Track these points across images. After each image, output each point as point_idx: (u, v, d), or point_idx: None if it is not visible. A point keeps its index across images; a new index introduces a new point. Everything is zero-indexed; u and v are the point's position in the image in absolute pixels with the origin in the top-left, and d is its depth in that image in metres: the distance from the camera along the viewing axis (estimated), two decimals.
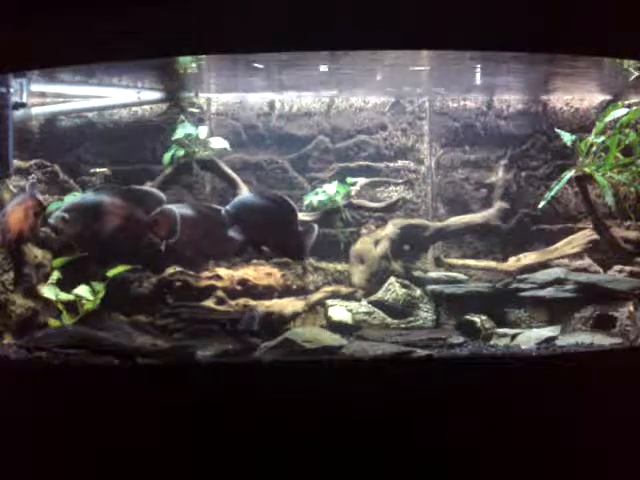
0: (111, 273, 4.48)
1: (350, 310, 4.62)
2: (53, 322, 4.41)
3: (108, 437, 3.57)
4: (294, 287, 4.92)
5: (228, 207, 4.22)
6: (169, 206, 4.13)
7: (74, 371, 3.77)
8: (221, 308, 4.57)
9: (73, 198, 4.12)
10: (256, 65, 4.21)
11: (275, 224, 4.16)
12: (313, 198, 4.91)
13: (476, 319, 4.45)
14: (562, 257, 4.97)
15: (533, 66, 4.49)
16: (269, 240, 4.22)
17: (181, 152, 4.83)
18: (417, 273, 4.97)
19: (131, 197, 4.08)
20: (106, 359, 3.80)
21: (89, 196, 4.15)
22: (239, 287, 4.73)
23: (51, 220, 4.03)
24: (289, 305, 4.65)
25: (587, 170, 4.61)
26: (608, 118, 4.59)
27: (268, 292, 4.79)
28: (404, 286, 4.77)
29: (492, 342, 4.25)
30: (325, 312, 4.67)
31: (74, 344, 3.93)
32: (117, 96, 5.00)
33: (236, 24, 3.44)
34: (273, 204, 4.17)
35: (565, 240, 5.02)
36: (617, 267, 4.87)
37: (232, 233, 4.09)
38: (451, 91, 5.27)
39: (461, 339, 4.20)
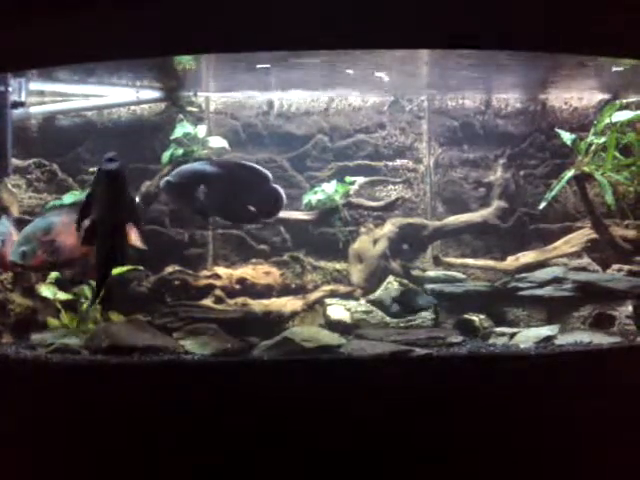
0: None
1: (349, 309, 4.62)
2: (52, 321, 4.41)
3: (108, 437, 3.57)
4: (293, 286, 4.93)
5: (169, 177, 4.12)
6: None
7: (74, 371, 3.77)
8: (220, 307, 4.57)
9: (25, 228, 4.08)
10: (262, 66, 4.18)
11: (239, 191, 4.06)
12: (312, 197, 4.90)
13: (475, 318, 4.45)
14: (561, 256, 4.96)
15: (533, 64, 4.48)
16: (228, 209, 4.12)
17: (180, 151, 4.81)
18: (416, 272, 4.97)
19: (74, 211, 3.97)
20: (106, 358, 3.82)
21: (39, 222, 4.11)
22: (238, 286, 4.73)
23: (13, 258, 3.97)
24: (288, 304, 4.66)
25: (587, 169, 4.61)
26: (610, 119, 4.58)
27: (267, 291, 4.79)
28: (403, 285, 4.77)
29: (491, 341, 4.26)
30: (324, 311, 4.67)
31: None
32: (116, 95, 4.99)
33: (236, 24, 3.44)
34: (238, 170, 4.06)
35: (564, 239, 5.01)
36: (616, 266, 4.87)
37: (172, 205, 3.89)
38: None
39: (460, 338, 4.19)
